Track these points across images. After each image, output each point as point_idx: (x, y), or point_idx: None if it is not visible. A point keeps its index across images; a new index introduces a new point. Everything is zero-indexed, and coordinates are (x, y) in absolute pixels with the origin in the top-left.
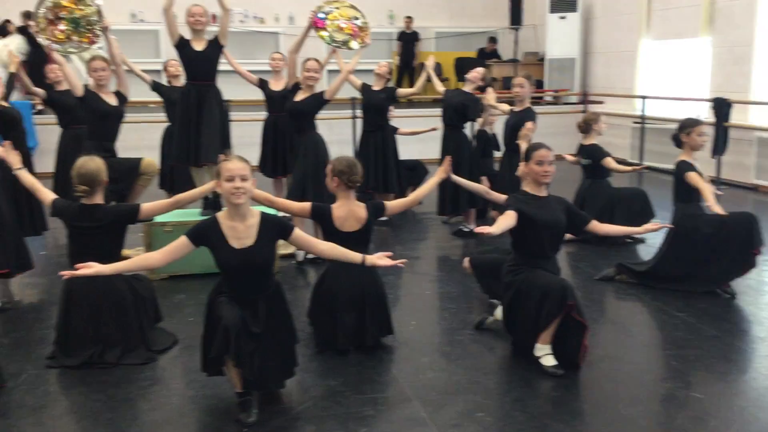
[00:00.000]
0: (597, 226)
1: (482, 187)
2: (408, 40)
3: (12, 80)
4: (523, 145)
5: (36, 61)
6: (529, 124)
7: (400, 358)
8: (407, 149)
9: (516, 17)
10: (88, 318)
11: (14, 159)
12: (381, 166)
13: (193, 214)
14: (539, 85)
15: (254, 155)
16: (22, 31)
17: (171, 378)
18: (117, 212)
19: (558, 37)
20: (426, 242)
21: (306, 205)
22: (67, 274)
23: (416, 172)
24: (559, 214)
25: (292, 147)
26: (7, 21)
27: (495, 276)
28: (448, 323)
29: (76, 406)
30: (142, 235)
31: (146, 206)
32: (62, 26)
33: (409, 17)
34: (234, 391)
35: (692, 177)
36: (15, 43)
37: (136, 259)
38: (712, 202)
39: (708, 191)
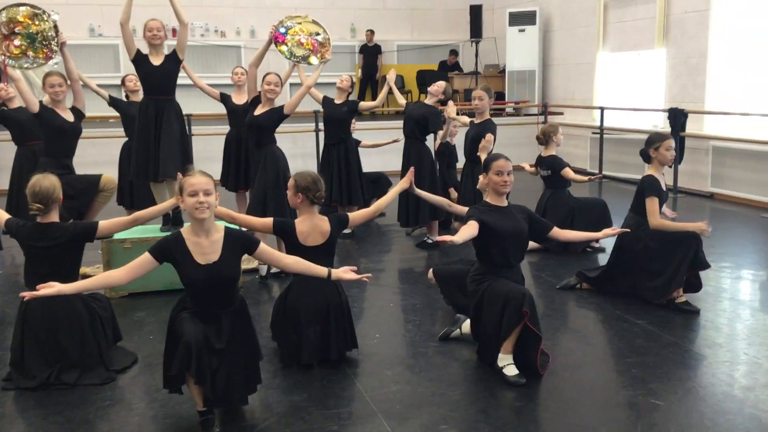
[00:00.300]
0: (558, 233)
1: (444, 200)
2: (370, 52)
3: None
4: (483, 157)
5: None
6: (488, 136)
7: (365, 372)
8: (370, 161)
9: (476, 30)
10: (45, 338)
11: None
12: (344, 179)
13: (153, 231)
14: (500, 96)
15: (216, 169)
16: None
17: (131, 398)
18: (74, 230)
19: (518, 50)
20: (390, 254)
21: (268, 221)
22: (27, 295)
23: (379, 183)
24: (521, 222)
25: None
26: None
27: (459, 287)
28: (412, 335)
29: (32, 428)
30: (100, 252)
31: (104, 224)
32: (17, 41)
33: (370, 30)
34: (196, 409)
35: (651, 202)
36: None
37: (99, 277)
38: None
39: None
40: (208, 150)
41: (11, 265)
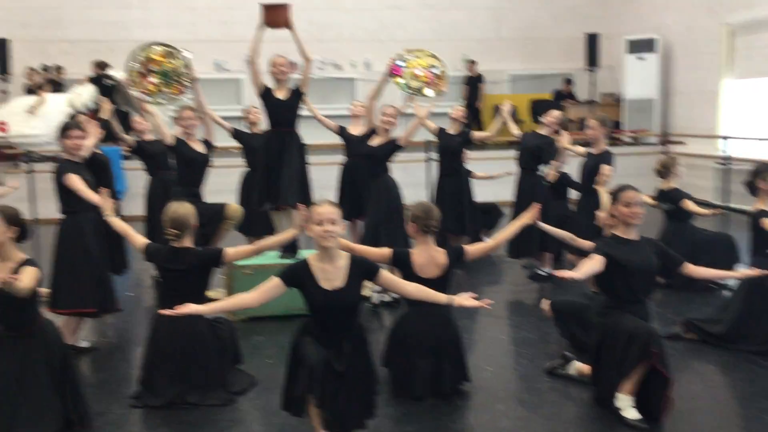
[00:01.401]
0: (691, 269)
1: (568, 234)
2: (473, 83)
3: (106, 126)
4: (602, 190)
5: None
6: (605, 169)
7: (476, 406)
8: (482, 191)
9: (592, 58)
10: (172, 358)
11: (107, 206)
12: (457, 209)
13: (272, 258)
14: (617, 126)
15: (329, 197)
16: (94, 80)
17: (250, 420)
18: (203, 256)
19: (636, 78)
20: (500, 285)
21: (386, 251)
22: (167, 312)
23: (491, 215)
24: (651, 257)
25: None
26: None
27: (576, 321)
28: (525, 369)
29: None
30: (223, 278)
31: (230, 251)
32: (153, 79)
33: (472, 61)
34: None
35: None
36: (87, 92)
37: (231, 299)
38: None
39: None
40: (323, 179)
41: (137, 286)
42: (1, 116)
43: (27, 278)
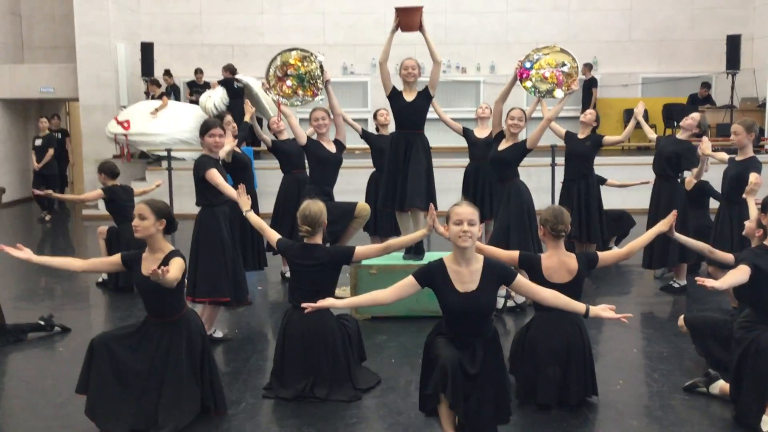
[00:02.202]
0: None
1: (705, 246)
2: (586, 86)
3: (246, 128)
4: (750, 200)
5: (235, 111)
6: (754, 177)
7: (607, 419)
8: (613, 198)
9: (733, 61)
10: (302, 352)
11: (245, 201)
12: (584, 216)
13: (397, 258)
14: (761, 132)
15: (452, 199)
16: (224, 83)
17: (374, 418)
18: (334, 253)
19: None
20: (630, 296)
21: (514, 254)
22: (309, 306)
23: (622, 222)
24: None
25: (491, 194)
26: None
27: (714, 337)
28: (659, 385)
29: None
30: (348, 276)
31: (360, 249)
32: (289, 82)
33: (588, 64)
34: None
35: None
36: (218, 95)
37: (367, 295)
38: None
39: None
40: (446, 181)
41: (266, 281)
42: (126, 116)
43: (175, 269)
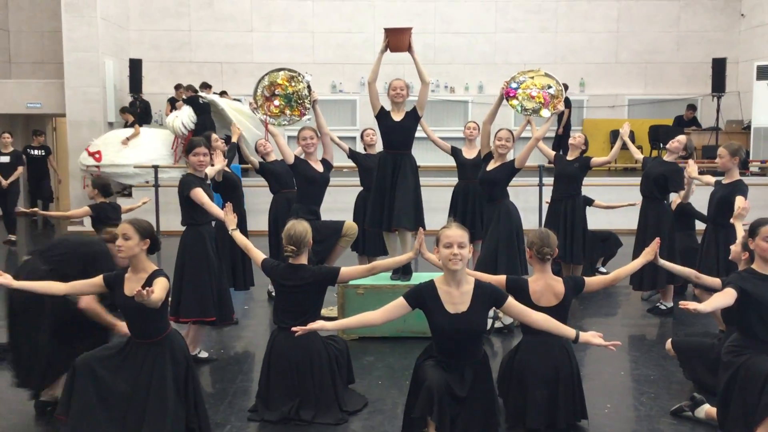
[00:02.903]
0: None
1: (692, 272)
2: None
3: (234, 149)
4: (738, 224)
5: (203, 127)
6: (740, 201)
7: None
8: (599, 219)
9: (719, 84)
10: (288, 374)
11: (231, 220)
12: (568, 236)
13: (384, 278)
14: (747, 155)
15: (440, 218)
16: (189, 101)
17: None
18: (319, 273)
19: (765, 105)
20: (617, 318)
21: (501, 278)
22: (299, 330)
23: (608, 243)
24: None
25: (481, 214)
26: (224, 92)
27: (702, 361)
28: (646, 409)
29: None
30: (335, 296)
31: (345, 270)
32: (277, 102)
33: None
34: None
35: None
36: (185, 114)
37: (357, 317)
38: None
39: None
40: (435, 200)
41: (252, 300)
42: (97, 146)
43: (159, 290)
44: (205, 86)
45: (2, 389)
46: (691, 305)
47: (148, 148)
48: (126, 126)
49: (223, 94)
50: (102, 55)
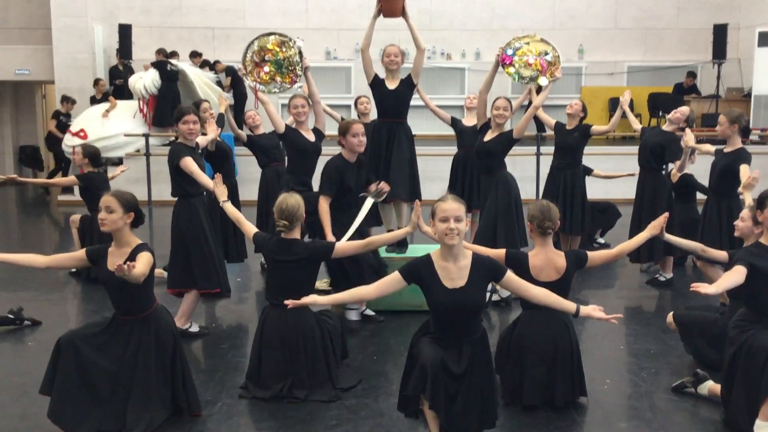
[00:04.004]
0: None
1: (698, 245)
2: None
3: (222, 119)
4: (747, 195)
5: (167, 95)
6: (746, 170)
7: (595, 422)
8: (597, 189)
9: (719, 51)
10: (280, 351)
11: (222, 192)
12: (568, 207)
13: (380, 251)
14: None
15: (439, 189)
16: (156, 65)
17: (356, 419)
18: (313, 249)
19: (767, 72)
20: (615, 290)
21: (501, 252)
22: (290, 303)
23: (608, 214)
24: None
25: (479, 183)
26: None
27: (703, 336)
28: (647, 385)
29: None
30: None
31: (340, 245)
32: (267, 68)
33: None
34: None
35: None
36: (149, 77)
37: (351, 291)
38: None
39: None
40: (432, 170)
41: (246, 272)
42: (79, 124)
43: (142, 264)
44: (174, 55)
45: None
46: (702, 288)
47: (130, 117)
48: (100, 100)
49: (216, 63)
50: (91, 21)
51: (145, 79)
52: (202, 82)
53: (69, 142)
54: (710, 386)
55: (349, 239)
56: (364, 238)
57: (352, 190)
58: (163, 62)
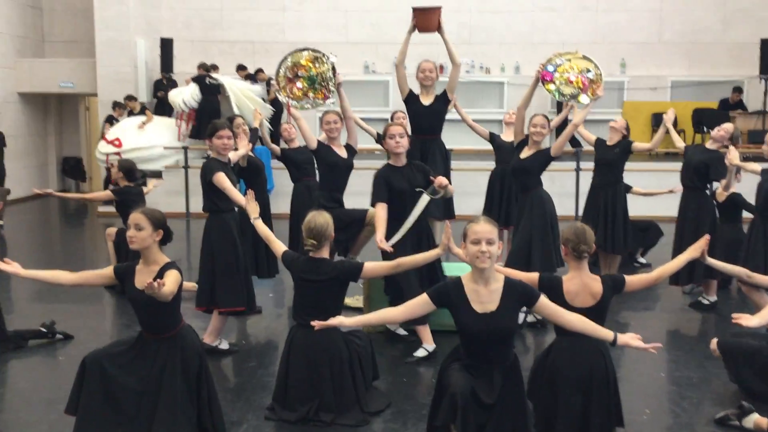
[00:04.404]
0: None
1: (742, 270)
2: None
3: (255, 134)
4: None
5: (207, 109)
6: None
7: None
8: (639, 206)
9: (767, 65)
10: (307, 373)
11: (253, 209)
12: (609, 225)
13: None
14: None
15: (473, 204)
16: (196, 79)
17: None
18: (341, 269)
19: None
20: (656, 313)
21: (534, 276)
22: (317, 325)
23: (649, 233)
24: None
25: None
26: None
27: (750, 365)
28: (688, 416)
29: None
30: (361, 286)
31: (369, 266)
32: (300, 84)
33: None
34: None
35: None
36: (189, 91)
37: (378, 313)
38: None
39: None
40: (470, 185)
41: (278, 286)
42: (115, 133)
43: (170, 282)
44: (214, 68)
45: (17, 381)
46: (744, 320)
47: (166, 132)
48: (134, 114)
49: (258, 72)
50: (133, 35)
51: (184, 94)
52: (245, 95)
53: (103, 149)
54: (756, 419)
55: (405, 233)
56: (425, 233)
57: (406, 192)
58: (202, 76)
